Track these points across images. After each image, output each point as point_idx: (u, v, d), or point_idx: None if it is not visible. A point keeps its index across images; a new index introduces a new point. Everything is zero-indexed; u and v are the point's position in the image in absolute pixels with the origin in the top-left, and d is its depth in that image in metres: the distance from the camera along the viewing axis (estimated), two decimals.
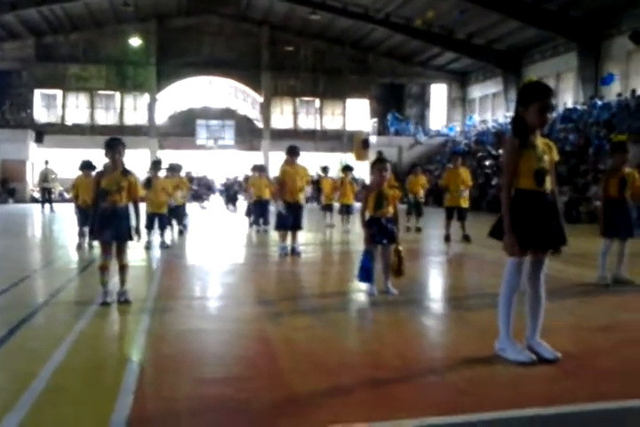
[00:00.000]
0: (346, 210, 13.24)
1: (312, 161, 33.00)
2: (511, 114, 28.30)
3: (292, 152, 8.71)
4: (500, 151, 24.23)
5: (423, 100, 36.33)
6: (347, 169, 13.82)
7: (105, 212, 5.26)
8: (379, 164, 5.90)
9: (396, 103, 34.89)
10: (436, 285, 7.11)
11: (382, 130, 32.77)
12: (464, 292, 6.35)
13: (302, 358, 3.72)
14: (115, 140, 5.44)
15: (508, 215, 3.49)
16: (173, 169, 11.47)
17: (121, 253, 5.37)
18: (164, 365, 3.55)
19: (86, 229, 9.23)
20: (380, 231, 5.70)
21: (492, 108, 32.67)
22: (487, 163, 24.78)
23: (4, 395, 2.99)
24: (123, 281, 5.36)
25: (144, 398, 2.94)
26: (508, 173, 3.53)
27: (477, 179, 21.81)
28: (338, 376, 3.34)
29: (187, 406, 2.89)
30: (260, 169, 13.63)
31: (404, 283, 5.95)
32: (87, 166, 9.61)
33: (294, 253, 8.71)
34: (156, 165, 10.28)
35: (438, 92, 36.13)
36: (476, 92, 34.30)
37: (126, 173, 5.36)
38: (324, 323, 4.67)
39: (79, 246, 9.50)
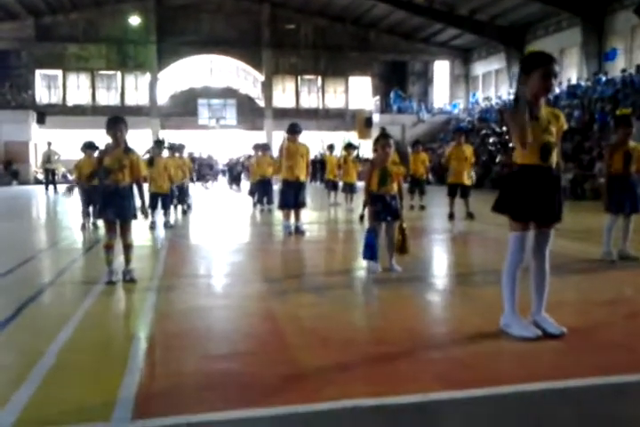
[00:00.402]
0: (349, 188, 13.24)
1: (315, 139, 32.95)
2: (514, 90, 28.14)
3: (293, 130, 8.66)
4: (504, 128, 24.08)
5: (426, 78, 36.00)
6: (349, 147, 13.74)
7: (107, 190, 5.26)
8: (382, 140, 5.86)
9: (398, 81, 34.58)
10: (439, 262, 7.12)
11: (385, 108, 32.54)
12: (468, 268, 6.35)
13: (308, 334, 3.74)
14: (116, 118, 5.41)
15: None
16: (175, 149, 11.43)
17: (125, 231, 5.37)
18: (170, 342, 3.57)
19: (90, 209, 9.27)
20: (384, 208, 5.70)
21: (495, 84, 32.37)
22: (491, 140, 24.63)
23: (13, 372, 3.02)
24: (128, 260, 5.38)
25: (151, 374, 2.96)
26: (521, 138, 3.37)
27: (481, 156, 21.70)
28: (343, 352, 3.36)
29: (194, 382, 2.91)
30: (264, 147, 13.54)
31: (407, 260, 5.96)
32: (89, 147, 9.57)
33: (298, 231, 8.70)
34: (158, 144, 10.24)
35: (441, 69, 35.79)
36: (480, 68, 33.95)
37: (128, 151, 5.34)
38: (329, 300, 4.69)
39: (83, 226, 9.52)
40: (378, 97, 33.05)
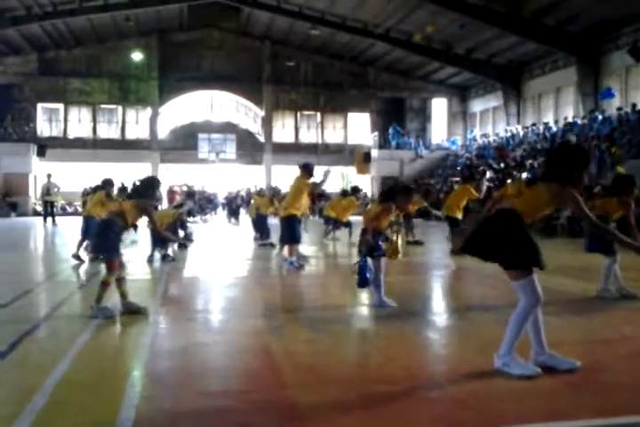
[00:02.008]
0: (345, 224, 13.57)
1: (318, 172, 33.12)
2: (511, 128, 28.52)
3: (308, 171, 8.90)
4: (502, 165, 24.28)
5: (424, 114, 36.47)
6: (355, 191, 14.17)
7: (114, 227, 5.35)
8: (407, 193, 5.86)
9: (396, 117, 34.99)
10: (437, 297, 7.09)
11: (383, 143, 32.86)
12: (465, 305, 6.32)
13: (305, 371, 3.70)
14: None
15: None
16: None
17: (121, 265, 5.39)
18: (166, 378, 3.53)
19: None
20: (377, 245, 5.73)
21: (492, 121, 32.78)
22: (489, 176, 24.80)
23: (7, 408, 2.98)
24: (124, 293, 5.35)
25: (146, 411, 2.93)
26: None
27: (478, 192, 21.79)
28: (341, 391, 3.33)
29: (189, 420, 2.88)
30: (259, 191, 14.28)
31: (404, 295, 5.94)
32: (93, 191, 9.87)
33: (293, 265, 8.76)
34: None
35: (439, 106, 36.28)
36: (477, 106, 34.44)
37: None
38: (326, 336, 4.66)
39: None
40: (376, 133, 33.41)
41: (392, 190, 5.91)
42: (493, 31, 25.13)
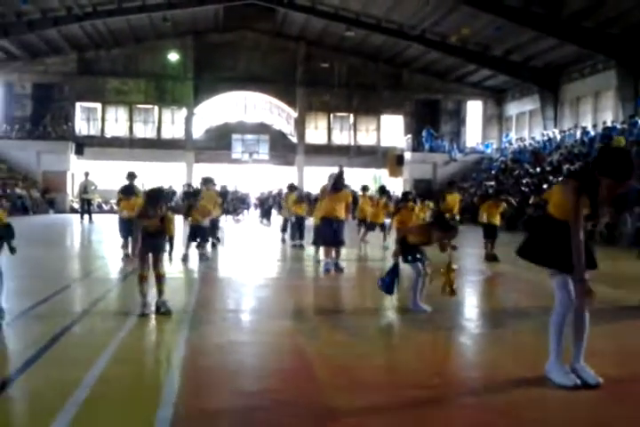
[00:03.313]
0: (381, 227, 13.42)
1: (346, 176, 33.11)
2: (548, 132, 28.08)
3: (337, 187, 8.92)
4: (538, 169, 23.90)
5: (458, 117, 36.15)
6: (383, 192, 14.02)
7: (145, 230, 5.42)
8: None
9: (430, 119, 34.76)
10: (471, 303, 7.01)
11: (417, 146, 32.69)
12: (501, 311, 6.25)
13: (339, 373, 3.70)
14: (158, 193, 5.65)
15: (580, 264, 3.36)
16: (207, 182, 11.58)
17: (157, 263, 5.47)
18: (202, 376, 3.57)
19: (129, 241, 9.44)
20: (417, 250, 5.71)
21: (528, 125, 32.32)
22: (524, 181, 24.46)
23: (49, 401, 3.04)
24: (161, 291, 5.44)
25: (183, 409, 2.96)
26: (576, 222, 3.37)
27: (514, 198, 21.52)
28: (376, 394, 3.32)
29: (225, 419, 2.91)
30: (291, 188, 14.22)
31: (439, 301, 5.90)
32: (127, 193, 9.91)
33: (337, 268, 8.72)
34: (206, 181, 10.68)
35: (474, 109, 35.91)
36: (513, 109, 34.00)
37: (163, 219, 5.49)
38: (360, 340, 4.66)
39: (126, 256, 9.66)
40: (410, 135, 33.24)
41: (407, 193, 6.00)
42: (531, 33, 24.79)
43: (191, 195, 10.01)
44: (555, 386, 3.42)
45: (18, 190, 26.29)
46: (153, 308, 5.34)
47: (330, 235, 8.73)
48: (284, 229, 14.57)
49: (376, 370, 3.91)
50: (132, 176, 10.28)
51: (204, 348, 4.25)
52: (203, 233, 10.03)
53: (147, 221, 5.45)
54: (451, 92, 35.06)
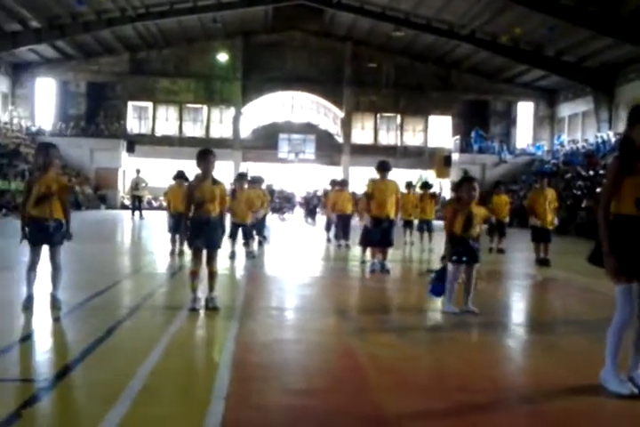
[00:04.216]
0: (426, 227, 13.12)
1: (392, 177, 32.92)
2: (602, 134, 27.29)
3: (383, 167, 8.65)
4: (591, 173, 23.29)
5: (509, 118, 35.52)
6: (425, 186, 13.79)
7: (199, 221, 5.45)
8: (467, 183, 5.82)
9: (479, 120, 34.26)
10: (520, 308, 6.89)
11: (465, 147, 32.27)
12: (550, 317, 6.12)
13: (388, 375, 3.69)
14: (206, 150, 5.63)
15: (607, 238, 3.34)
16: (255, 181, 11.67)
17: (211, 260, 5.53)
18: (252, 373, 3.61)
19: (177, 236, 9.58)
20: (465, 250, 5.63)
21: (581, 127, 31.50)
22: (577, 184, 23.87)
23: (106, 390, 3.13)
24: (212, 287, 5.51)
25: (235, 405, 3.00)
26: (606, 194, 3.41)
27: (565, 201, 21.04)
28: (426, 397, 3.30)
29: (276, 417, 2.94)
30: (342, 184, 13.64)
31: (487, 304, 5.82)
32: (180, 176, 10.03)
33: (383, 269, 8.54)
34: (241, 177, 10.57)
35: (525, 110, 35.23)
36: (565, 110, 33.20)
37: (216, 182, 5.53)
38: (409, 341, 4.63)
39: (172, 252, 9.83)
40: (458, 136, 32.84)
41: (457, 183, 5.93)
42: (585, 33, 24.16)
43: (233, 192, 10.02)
44: (610, 395, 3.32)
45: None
46: (202, 303, 5.42)
47: (378, 235, 8.50)
48: (327, 228, 14.45)
49: (425, 373, 3.88)
50: (180, 176, 10.32)
51: (253, 345, 4.30)
52: (245, 231, 10.04)
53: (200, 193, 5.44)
54: (501, 92, 34.47)
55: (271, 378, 3.52)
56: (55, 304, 5.17)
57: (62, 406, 2.93)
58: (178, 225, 9.27)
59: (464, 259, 5.62)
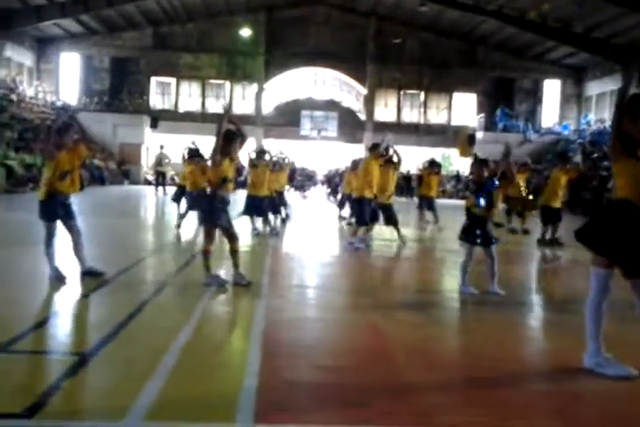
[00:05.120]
0: (427, 204, 12.98)
1: (414, 155, 32.71)
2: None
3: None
4: None
5: (535, 96, 34.91)
6: (433, 165, 13.65)
7: (223, 199, 5.50)
8: (477, 164, 5.84)
9: (505, 98, 33.72)
10: (543, 289, 6.88)
11: (490, 126, 31.85)
12: (572, 297, 6.10)
13: (413, 354, 3.74)
14: (235, 134, 5.65)
15: None
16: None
17: (234, 237, 5.59)
18: (282, 349, 3.69)
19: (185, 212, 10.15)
20: (482, 233, 5.61)
21: (610, 106, 30.84)
22: (603, 164, 23.49)
23: (141, 365, 3.22)
24: (237, 264, 5.58)
25: (267, 381, 3.07)
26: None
27: (592, 181, 20.75)
28: (452, 377, 3.35)
29: (307, 393, 3.00)
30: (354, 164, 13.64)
31: (509, 285, 5.84)
32: (196, 155, 10.16)
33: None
34: (261, 152, 10.64)
35: (551, 88, 34.57)
36: (594, 89, 32.52)
37: (232, 160, 5.58)
38: (434, 321, 4.69)
39: (178, 226, 10.04)
40: (482, 114, 32.40)
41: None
42: (615, 9, 23.52)
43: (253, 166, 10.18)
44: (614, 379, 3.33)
45: (96, 161, 27.33)
46: (230, 280, 5.50)
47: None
48: (341, 206, 14.26)
49: (450, 351, 3.93)
50: (197, 155, 10.47)
51: (281, 322, 4.37)
52: (263, 205, 9.98)
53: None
54: (527, 70, 33.82)
55: (301, 355, 3.59)
56: (96, 273, 5.35)
57: (100, 381, 3.03)
58: (194, 203, 9.50)
59: (478, 241, 5.62)
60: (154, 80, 34.35)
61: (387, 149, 9.03)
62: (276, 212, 11.81)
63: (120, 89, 33.34)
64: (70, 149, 5.34)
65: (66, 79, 33.57)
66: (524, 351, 4.03)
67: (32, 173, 20.79)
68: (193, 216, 10.20)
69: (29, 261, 6.38)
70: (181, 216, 10.36)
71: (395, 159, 9.38)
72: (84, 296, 4.96)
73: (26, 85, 30.40)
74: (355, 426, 2.61)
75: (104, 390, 2.88)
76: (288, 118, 34.31)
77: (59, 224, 5.39)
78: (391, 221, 9.37)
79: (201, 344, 3.72)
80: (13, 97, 27.07)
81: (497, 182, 5.71)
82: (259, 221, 10.25)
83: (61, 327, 4.12)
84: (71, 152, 5.35)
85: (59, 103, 31.64)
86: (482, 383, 3.24)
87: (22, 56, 31.13)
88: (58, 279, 5.24)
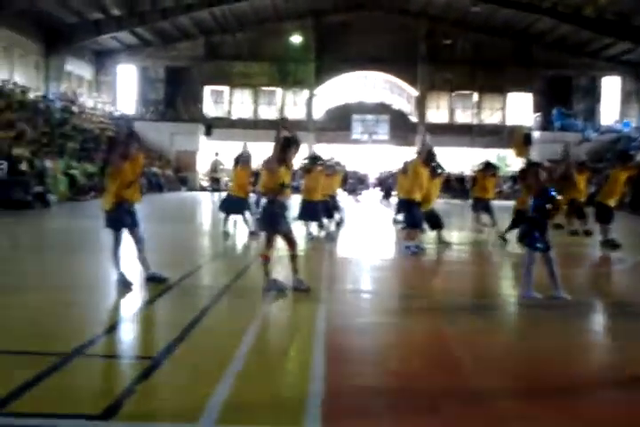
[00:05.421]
0: (484, 207, 12.63)
1: (467, 157, 32.22)
2: None
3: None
4: None
5: (593, 94, 33.89)
6: (489, 167, 13.33)
7: (282, 205, 5.55)
8: (532, 168, 5.71)
9: (561, 97, 32.84)
10: (610, 293, 6.65)
11: (546, 125, 31.08)
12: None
13: (482, 360, 3.68)
14: (296, 141, 5.71)
15: None
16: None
17: (293, 243, 5.64)
18: (345, 355, 3.69)
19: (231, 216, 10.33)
20: (540, 237, 5.47)
21: None
22: None
23: (209, 369, 3.29)
24: (296, 270, 5.62)
25: (334, 386, 3.07)
26: None
27: None
28: (523, 383, 3.28)
29: (373, 398, 2.99)
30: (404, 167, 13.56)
31: (574, 289, 5.68)
32: (237, 162, 10.53)
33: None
34: (313, 160, 10.71)
35: (610, 85, 33.48)
36: None
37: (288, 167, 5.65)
38: (500, 327, 4.61)
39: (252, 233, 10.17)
40: (539, 113, 31.66)
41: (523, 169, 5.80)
42: None
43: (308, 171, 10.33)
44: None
45: (154, 169, 28.05)
46: (291, 284, 5.54)
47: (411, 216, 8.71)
48: (398, 210, 14.17)
49: (515, 358, 3.84)
50: (247, 161, 10.69)
51: (343, 327, 4.37)
52: (318, 210, 9.99)
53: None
54: (584, 67, 32.87)
55: (366, 360, 3.58)
56: (160, 279, 5.48)
57: (170, 384, 3.10)
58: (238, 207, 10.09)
59: (539, 246, 5.47)
60: (207, 89, 35.03)
61: (431, 160, 8.88)
62: (330, 216, 11.84)
63: (175, 98, 34.15)
64: (132, 159, 5.50)
65: (123, 90, 34.63)
66: (592, 358, 3.91)
67: (93, 182, 21.50)
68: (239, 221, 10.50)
69: (94, 267, 6.60)
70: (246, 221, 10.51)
71: (438, 171, 9.34)
72: (150, 301, 5.08)
73: (85, 97, 31.50)
74: None
75: (175, 393, 2.95)
76: (339, 123, 34.37)
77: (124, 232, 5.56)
78: (437, 225, 9.39)
79: (265, 349, 3.76)
80: (74, 109, 28.10)
81: (553, 192, 5.56)
82: (313, 226, 10.29)
83: (130, 332, 4.24)
84: (133, 162, 5.52)
85: (117, 114, 32.66)
86: (552, 391, 3.15)
87: (82, 69, 32.29)
88: (124, 285, 5.40)
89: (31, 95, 25.21)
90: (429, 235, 9.79)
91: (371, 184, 30.95)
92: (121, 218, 5.43)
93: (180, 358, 3.47)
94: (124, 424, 2.56)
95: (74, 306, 4.76)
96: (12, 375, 3.03)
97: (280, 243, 5.67)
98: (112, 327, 4.20)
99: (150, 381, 3.07)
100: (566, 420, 2.76)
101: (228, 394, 2.91)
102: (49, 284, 5.67)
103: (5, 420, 2.57)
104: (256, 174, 11.96)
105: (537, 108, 32.71)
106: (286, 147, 5.56)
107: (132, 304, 5.05)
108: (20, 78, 26.23)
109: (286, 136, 5.76)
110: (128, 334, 4.19)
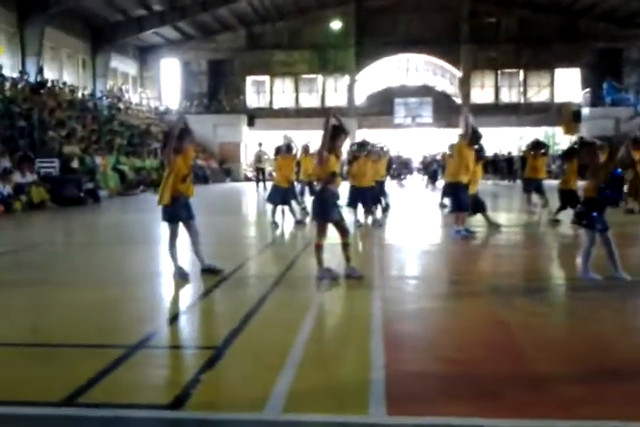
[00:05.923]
0: (535, 187, 12.27)
1: (514, 136, 31.54)
2: None
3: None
4: None
5: None
6: (538, 146, 12.92)
7: (334, 194, 5.57)
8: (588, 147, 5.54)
9: (612, 71, 31.73)
10: None
11: (596, 101, 30.11)
12: None
13: (543, 345, 3.62)
14: (337, 128, 5.72)
15: None
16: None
17: (345, 231, 5.65)
18: (404, 341, 3.69)
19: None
20: (599, 217, 5.32)
21: None
22: None
23: (270, 358, 3.32)
24: (349, 258, 5.63)
25: (394, 373, 3.08)
26: None
27: None
28: (586, 368, 3.21)
29: (434, 385, 2.99)
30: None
31: (633, 270, 5.53)
32: (278, 152, 10.72)
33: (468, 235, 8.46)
34: (361, 146, 10.66)
35: None
36: None
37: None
38: (559, 310, 4.53)
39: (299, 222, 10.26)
40: (588, 89, 30.69)
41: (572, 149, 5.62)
42: None
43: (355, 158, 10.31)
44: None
45: (199, 162, 28.44)
46: (344, 273, 5.56)
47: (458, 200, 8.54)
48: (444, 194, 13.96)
49: (577, 341, 3.77)
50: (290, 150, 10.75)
51: (399, 313, 4.37)
52: (366, 196, 10.01)
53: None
54: (635, 39, 31.64)
55: (425, 346, 3.58)
56: (215, 271, 5.61)
57: (234, 373, 3.16)
58: (285, 197, 10.18)
59: (598, 226, 5.32)
60: (249, 79, 35.25)
61: (476, 141, 8.66)
62: (378, 202, 11.81)
63: (217, 90, 34.50)
64: (185, 153, 5.60)
65: (167, 85, 35.16)
66: None
67: (142, 176, 21.97)
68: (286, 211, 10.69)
69: (147, 259, 6.76)
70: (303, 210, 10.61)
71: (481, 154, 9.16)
72: (206, 293, 5.19)
73: (131, 93, 32.11)
74: (494, 417, 2.56)
75: (240, 383, 3.00)
76: (381, 107, 34.11)
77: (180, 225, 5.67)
78: (480, 208, 9.24)
79: (323, 337, 3.80)
80: (121, 105, 28.68)
81: (620, 171, 5.41)
82: (360, 213, 10.27)
83: (191, 323, 4.34)
84: (185, 156, 5.61)
85: (161, 108, 33.18)
86: (617, 375, 3.09)
87: (127, 66, 32.91)
88: (181, 277, 5.53)
89: (79, 94, 25.85)
90: (478, 218, 9.65)
91: (415, 168, 30.65)
92: (177, 212, 5.54)
93: (241, 348, 3.53)
94: (195, 414, 2.63)
95: (134, 300, 4.90)
96: (80, 368, 3.14)
97: (331, 231, 5.68)
98: (173, 319, 4.31)
99: (215, 370, 3.14)
100: (634, 404, 2.70)
101: (290, 383, 2.95)
102: (107, 278, 5.84)
103: (78, 411, 2.67)
104: (298, 164, 11.98)
105: (586, 84, 31.72)
106: (335, 135, 5.56)
107: (189, 296, 5.17)
108: (68, 77, 26.95)
109: (335, 124, 5.75)
110: (189, 325, 4.29)
